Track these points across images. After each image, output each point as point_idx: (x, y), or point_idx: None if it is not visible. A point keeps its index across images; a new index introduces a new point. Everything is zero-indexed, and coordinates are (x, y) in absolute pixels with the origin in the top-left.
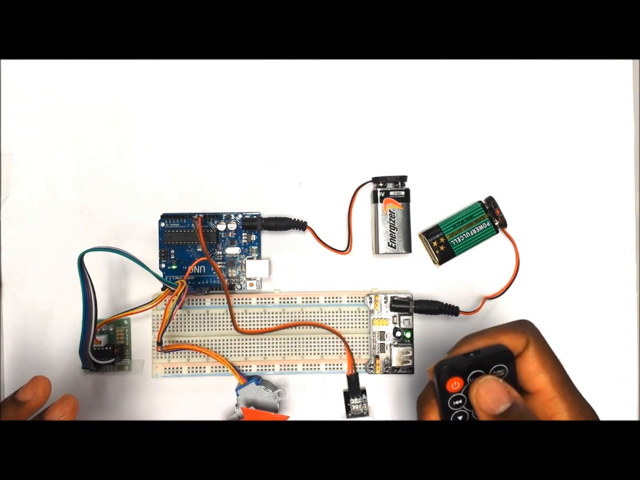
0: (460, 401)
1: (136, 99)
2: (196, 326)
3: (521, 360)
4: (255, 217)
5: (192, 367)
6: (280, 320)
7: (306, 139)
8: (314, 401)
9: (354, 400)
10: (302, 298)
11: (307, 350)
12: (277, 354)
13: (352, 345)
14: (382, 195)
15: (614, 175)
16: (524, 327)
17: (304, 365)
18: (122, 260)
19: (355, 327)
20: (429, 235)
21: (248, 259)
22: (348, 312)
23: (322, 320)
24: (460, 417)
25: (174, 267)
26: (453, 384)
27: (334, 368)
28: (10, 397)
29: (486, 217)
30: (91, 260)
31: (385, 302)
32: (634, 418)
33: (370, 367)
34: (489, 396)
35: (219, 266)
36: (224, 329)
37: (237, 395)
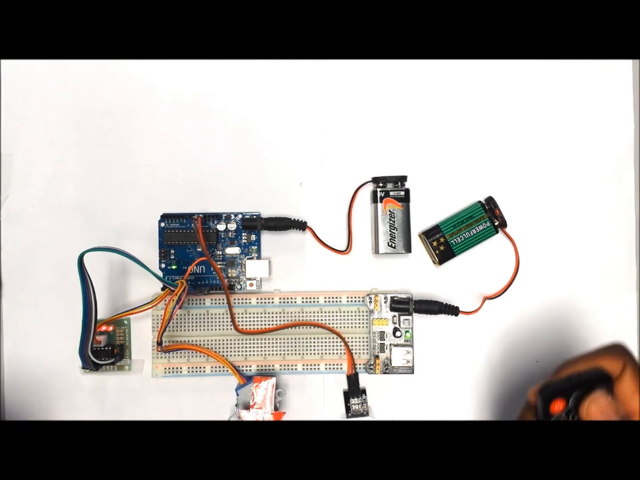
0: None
1: (136, 99)
2: (196, 326)
3: (619, 383)
4: (255, 217)
5: (192, 367)
6: (280, 320)
7: (306, 139)
8: (314, 401)
9: (354, 400)
10: (302, 298)
11: (307, 350)
12: (277, 354)
13: (352, 345)
14: (382, 195)
15: (614, 175)
16: (621, 351)
17: (304, 365)
18: (122, 260)
19: (355, 327)
20: (428, 235)
21: (248, 259)
22: (348, 312)
23: (322, 320)
24: None
25: (174, 267)
26: (556, 405)
27: (334, 368)
28: None
29: (486, 217)
30: (91, 260)
31: (385, 302)
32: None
33: (370, 367)
34: (600, 412)
35: (219, 266)
36: (224, 329)
37: (237, 395)
